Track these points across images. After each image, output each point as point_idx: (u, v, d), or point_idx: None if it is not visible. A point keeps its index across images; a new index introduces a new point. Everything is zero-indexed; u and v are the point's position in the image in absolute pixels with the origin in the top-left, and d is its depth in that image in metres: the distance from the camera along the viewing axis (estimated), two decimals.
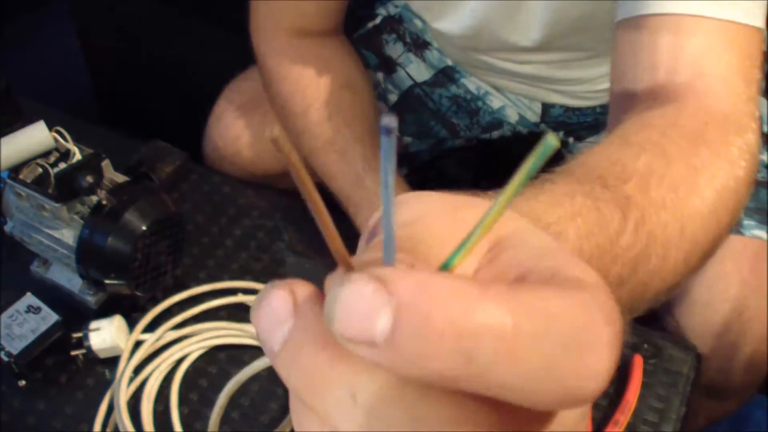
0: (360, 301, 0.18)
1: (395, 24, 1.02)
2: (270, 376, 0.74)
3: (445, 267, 0.21)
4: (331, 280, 0.22)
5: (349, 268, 0.21)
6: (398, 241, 0.21)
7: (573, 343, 0.19)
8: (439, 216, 0.23)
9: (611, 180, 0.44)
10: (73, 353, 0.73)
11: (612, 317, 0.20)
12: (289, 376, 0.20)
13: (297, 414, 0.21)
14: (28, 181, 0.73)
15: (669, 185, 0.45)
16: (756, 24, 0.55)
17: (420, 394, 0.19)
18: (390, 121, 0.18)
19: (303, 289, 0.21)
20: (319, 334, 0.20)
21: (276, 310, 0.21)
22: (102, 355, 0.74)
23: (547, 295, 0.19)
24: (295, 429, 0.22)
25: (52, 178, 0.73)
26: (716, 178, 0.48)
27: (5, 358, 0.70)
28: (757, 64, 0.55)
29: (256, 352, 0.76)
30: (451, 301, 0.18)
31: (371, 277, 0.18)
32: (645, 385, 0.71)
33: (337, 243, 0.21)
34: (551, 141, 0.18)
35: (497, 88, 1.00)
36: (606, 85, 0.91)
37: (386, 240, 0.20)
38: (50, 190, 0.73)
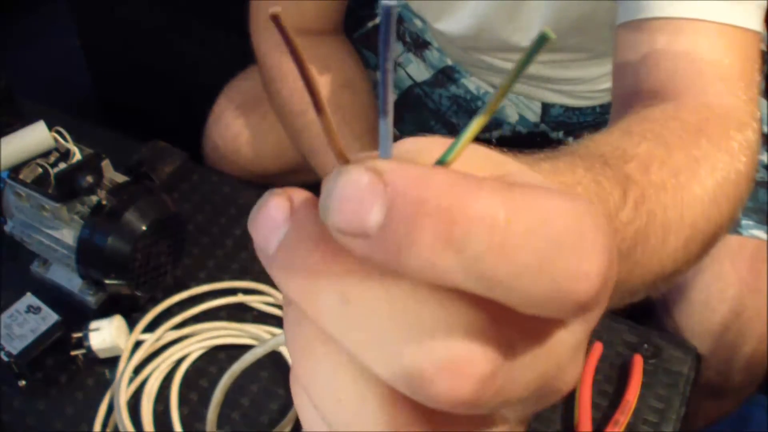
0: (355, 191, 0.18)
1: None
2: (270, 376, 0.74)
3: (441, 162, 0.21)
4: (327, 178, 0.22)
5: (346, 163, 0.20)
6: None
7: (566, 242, 0.18)
8: (436, 146, 0.23)
9: (612, 160, 0.44)
10: (73, 353, 0.73)
11: (606, 229, 0.19)
12: (282, 279, 0.20)
13: (290, 320, 0.21)
14: (28, 181, 0.73)
15: (670, 170, 0.45)
16: (755, 27, 0.56)
17: (412, 294, 0.19)
18: (389, 1, 0.18)
19: (300, 194, 0.21)
20: (314, 234, 0.20)
21: (273, 215, 0.20)
22: (102, 355, 0.74)
23: (543, 195, 0.19)
24: (287, 336, 0.21)
25: (52, 178, 0.73)
26: (717, 169, 0.48)
27: (5, 358, 0.70)
28: (756, 66, 0.56)
29: None
30: (446, 191, 0.18)
31: (367, 168, 0.18)
32: (645, 385, 0.71)
33: (334, 136, 0.20)
34: (547, 33, 0.18)
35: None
36: (606, 85, 0.91)
37: (383, 134, 0.20)
38: (50, 190, 0.73)
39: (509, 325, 0.19)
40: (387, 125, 0.20)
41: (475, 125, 0.20)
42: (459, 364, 0.18)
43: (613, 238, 0.20)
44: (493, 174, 0.22)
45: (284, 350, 0.75)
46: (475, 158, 0.21)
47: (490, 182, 0.18)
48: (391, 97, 0.19)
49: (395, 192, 0.18)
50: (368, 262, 0.19)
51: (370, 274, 0.19)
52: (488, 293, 0.18)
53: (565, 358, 0.21)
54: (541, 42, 0.18)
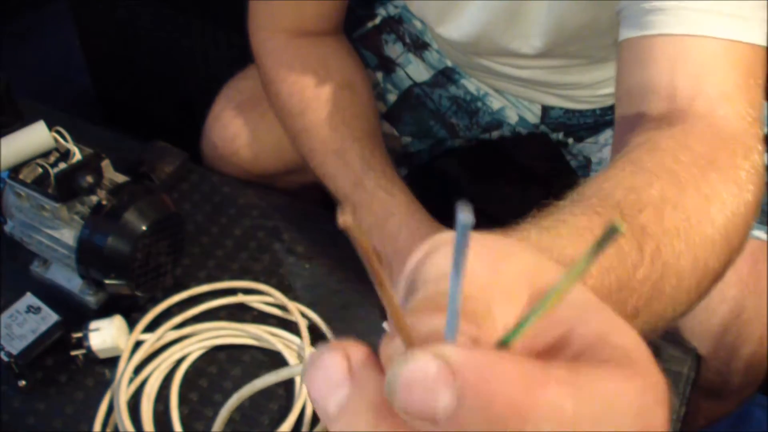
0: (423, 378, 0.19)
1: (395, 24, 1.02)
2: None
3: (505, 342, 0.21)
4: (388, 348, 0.22)
5: (410, 341, 0.21)
6: (440, 296, 0.21)
7: (630, 426, 0.19)
8: (481, 268, 0.23)
9: (627, 210, 0.44)
10: (73, 353, 0.73)
11: (663, 397, 0.20)
12: None
13: None
14: (28, 181, 0.73)
15: (682, 213, 0.46)
16: (759, 42, 0.55)
17: None
18: (466, 216, 0.18)
19: (357, 352, 0.21)
20: (378, 403, 0.20)
21: (331, 373, 0.21)
22: (102, 355, 0.74)
23: (605, 378, 0.19)
24: None
25: (52, 178, 0.73)
26: (727, 205, 0.48)
27: (5, 358, 0.70)
28: (760, 83, 0.55)
29: (255, 352, 0.76)
30: (515, 384, 0.18)
31: (435, 355, 0.19)
32: None
33: (398, 316, 0.21)
34: (617, 225, 0.19)
35: (497, 90, 1.00)
36: (605, 90, 0.91)
37: (450, 317, 0.21)
38: (50, 190, 0.73)
39: None
40: (454, 313, 0.20)
41: (540, 312, 0.21)
42: None
43: (667, 400, 0.21)
44: (532, 287, 0.22)
45: (284, 352, 0.75)
46: (515, 272, 0.22)
47: (557, 371, 0.19)
48: (461, 291, 0.20)
49: (465, 383, 0.18)
50: None
51: None
52: None
53: None
54: (611, 234, 0.19)
